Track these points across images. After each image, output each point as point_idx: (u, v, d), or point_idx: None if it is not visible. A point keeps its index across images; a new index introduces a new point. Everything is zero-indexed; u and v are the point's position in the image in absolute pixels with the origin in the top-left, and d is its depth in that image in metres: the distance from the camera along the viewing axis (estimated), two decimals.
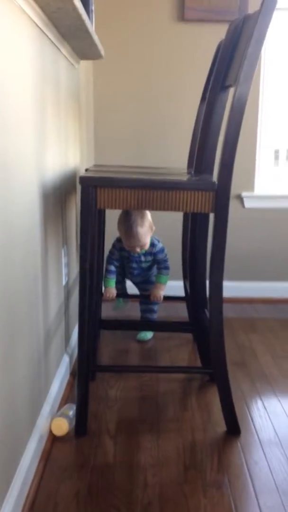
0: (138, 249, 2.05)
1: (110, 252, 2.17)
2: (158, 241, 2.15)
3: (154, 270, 2.22)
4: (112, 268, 2.17)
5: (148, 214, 2.03)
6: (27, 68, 1.24)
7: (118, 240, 2.14)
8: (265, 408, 1.71)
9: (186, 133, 2.23)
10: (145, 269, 2.20)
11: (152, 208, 1.42)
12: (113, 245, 2.16)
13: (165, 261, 2.17)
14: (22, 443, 1.25)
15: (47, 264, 1.52)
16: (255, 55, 1.32)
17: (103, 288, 2.18)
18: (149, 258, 2.15)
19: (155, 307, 2.30)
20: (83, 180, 1.40)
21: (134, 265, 2.17)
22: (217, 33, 1.94)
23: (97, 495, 1.27)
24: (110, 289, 2.17)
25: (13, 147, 1.12)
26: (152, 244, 2.12)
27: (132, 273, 2.21)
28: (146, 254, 2.13)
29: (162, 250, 2.15)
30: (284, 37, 2.66)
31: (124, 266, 2.21)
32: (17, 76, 1.15)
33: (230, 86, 1.58)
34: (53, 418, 1.53)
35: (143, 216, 1.99)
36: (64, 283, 1.83)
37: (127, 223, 1.99)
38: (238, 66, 1.39)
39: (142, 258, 2.14)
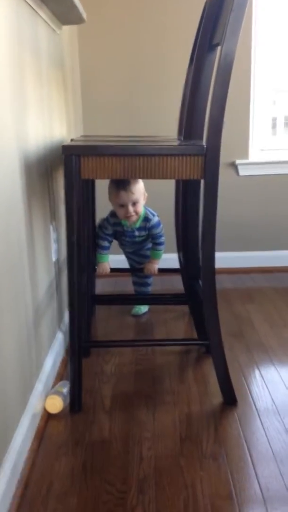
0: (131, 209, 1.93)
1: (103, 227, 2.09)
2: (154, 215, 2.06)
3: (148, 243, 2.16)
4: (106, 244, 2.10)
5: (141, 181, 1.96)
6: None
7: (112, 214, 2.07)
8: (262, 377, 1.68)
9: (178, 98, 2.15)
10: (138, 242, 2.14)
11: (138, 176, 1.36)
12: (107, 220, 2.09)
13: (160, 236, 2.09)
14: (14, 422, 1.23)
15: (33, 240, 1.47)
16: (242, 8, 1.24)
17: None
18: (143, 233, 2.08)
19: (149, 280, 2.26)
20: (65, 149, 1.34)
21: (128, 239, 2.11)
22: None
23: (92, 471, 1.25)
24: (104, 264, 2.12)
25: None
26: (147, 219, 2.04)
27: (125, 245, 2.16)
28: (140, 228, 2.06)
29: (157, 224, 2.06)
30: None
31: (117, 238, 2.15)
32: None
33: (217, 44, 1.50)
34: (47, 395, 1.51)
35: (136, 179, 1.91)
36: (54, 259, 1.78)
37: (119, 182, 1.89)
38: (224, 22, 1.32)
39: (136, 233, 2.07)
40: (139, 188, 1.94)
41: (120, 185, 1.90)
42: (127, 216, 1.97)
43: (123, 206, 1.94)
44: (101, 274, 2.13)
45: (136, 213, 1.96)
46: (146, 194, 1.99)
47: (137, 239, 2.10)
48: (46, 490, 1.19)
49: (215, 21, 1.52)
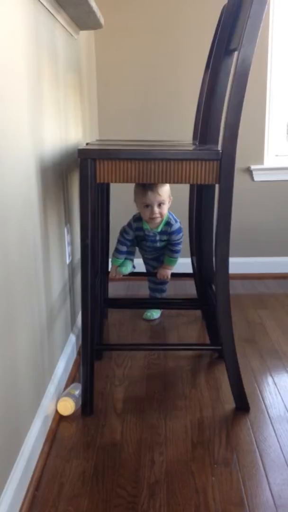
0: (156, 210, 1.93)
1: (125, 231, 2.09)
2: (177, 221, 2.06)
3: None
4: (124, 248, 2.10)
5: (168, 184, 1.95)
6: (18, 36, 1.18)
7: (135, 219, 2.07)
8: (275, 384, 1.67)
9: (194, 102, 2.15)
10: (159, 248, 2.14)
11: (153, 180, 1.36)
12: (129, 225, 2.08)
13: (178, 244, 2.08)
14: (26, 423, 1.23)
15: (48, 242, 1.48)
16: (259, 14, 1.24)
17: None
18: (165, 237, 2.07)
19: (164, 287, 2.26)
20: (81, 152, 1.35)
21: (149, 243, 2.10)
22: None
23: (103, 474, 1.25)
24: (117, 268, 2.13)
25: (3, 118, 1.07)
26: (169, 223, 2.04)
27: (146, 250, 2.16)
28: (162, 233, 2.05)
29: (178, 231, 2.06)
30: None
31: (138, 244, 2.16)
32: (7, 45, 1.09)
33: (234, 50, 1.50)
34: (59, 398, 1.51)
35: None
36: (68, 261, 1.79)
37: (146, 183, 1.89)
38: (242, 28, 1.32)
39: (158, 237, 2.07)
40: (166, 190, 1.94)
41: (147, 185, 1.90)
42: (152, 218, 1.97)
43: (149, 206, 1.95)
44: (114, 278, 2.13)
45: (161, 215, 1.97)
46: (171, 197, 2.00)
47: (158, 244, 2.10)
48: (57, 492, 1.19)
49: (232, 26, 1.53)
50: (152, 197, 1.92)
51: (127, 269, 2.14)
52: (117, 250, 2.11)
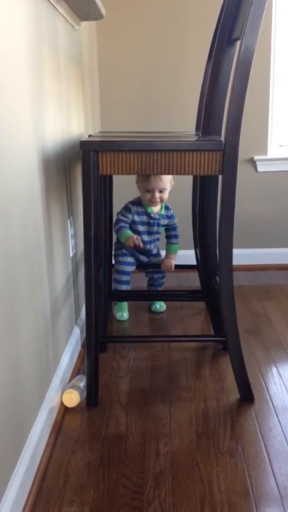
0: (157, 195, 1.96)
1: (124, 215, 2.05)
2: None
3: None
4: (127, 226, 2.06)
5: None
6: (18, 28, 1.17)
7: (134, 203, 2.05)
8: (279, 374, 1.67)
9: (197, 93, 2.14)
10: (158, 235, 2.15)
11: (156, 172, 1.36)
12: (128, 209, 2.05)
13: (176, 228, 2.15)
14: (31, 415, 1.24)
15: (51, 235, 1.48)
16: (262, 2, 1.23)
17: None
18: (166, 221, 2.12)
19: (163, 280, 2.27)
20: (83, 144, 1.35)
21: (156, 228, 2.10)
22: None
23: (108, 465, 1.25)
24: (133, 236, 2.02)
25: (5, 111, 1.06)
26: (167, 207, 2.10)
27: (154, 242, 2.14)
28: (163, 216, 2.10)
29: (174, 215, 2.13)
30: None
31: (137, 253, 2.14)
32: (8, 37, 1.09)
33: (237, 39, 1.49)
34: (64, 390, 1.52)
35: None
36: (71, 254, 1.79)
37: None
38: (244, 16, 1.30)
39: (161, 221, 2.11)
40: (168, 179, 1.98)
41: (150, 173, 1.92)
42: (152, 201, 2.00)
43: (150, 191, 1.98)
44: (137, 244, 2.01)
45: (161, 199, 2.01)
46: (173, 182, 2.03)
47: (160, 228, 2.13)
48: (63, 483, 1.20)
49: (234, 15, 1.51)
50: (154, 183, 1.96)
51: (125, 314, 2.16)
52: (119, 229, 2.05)
